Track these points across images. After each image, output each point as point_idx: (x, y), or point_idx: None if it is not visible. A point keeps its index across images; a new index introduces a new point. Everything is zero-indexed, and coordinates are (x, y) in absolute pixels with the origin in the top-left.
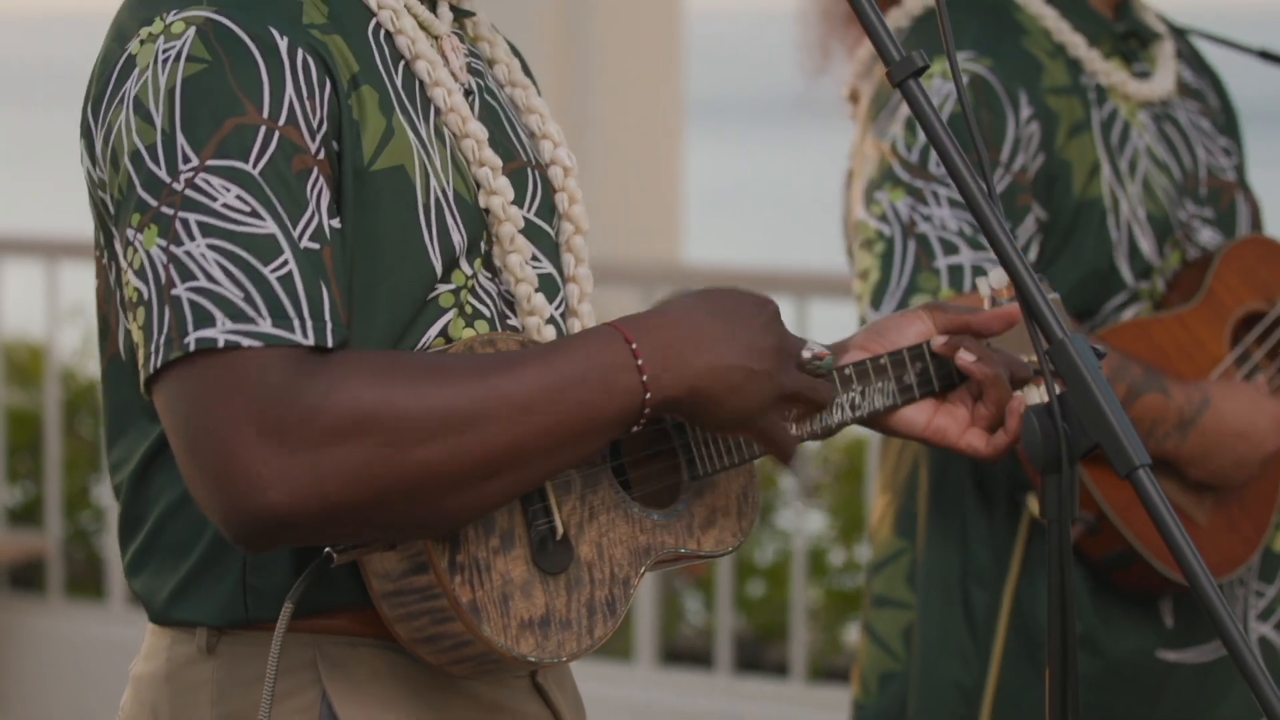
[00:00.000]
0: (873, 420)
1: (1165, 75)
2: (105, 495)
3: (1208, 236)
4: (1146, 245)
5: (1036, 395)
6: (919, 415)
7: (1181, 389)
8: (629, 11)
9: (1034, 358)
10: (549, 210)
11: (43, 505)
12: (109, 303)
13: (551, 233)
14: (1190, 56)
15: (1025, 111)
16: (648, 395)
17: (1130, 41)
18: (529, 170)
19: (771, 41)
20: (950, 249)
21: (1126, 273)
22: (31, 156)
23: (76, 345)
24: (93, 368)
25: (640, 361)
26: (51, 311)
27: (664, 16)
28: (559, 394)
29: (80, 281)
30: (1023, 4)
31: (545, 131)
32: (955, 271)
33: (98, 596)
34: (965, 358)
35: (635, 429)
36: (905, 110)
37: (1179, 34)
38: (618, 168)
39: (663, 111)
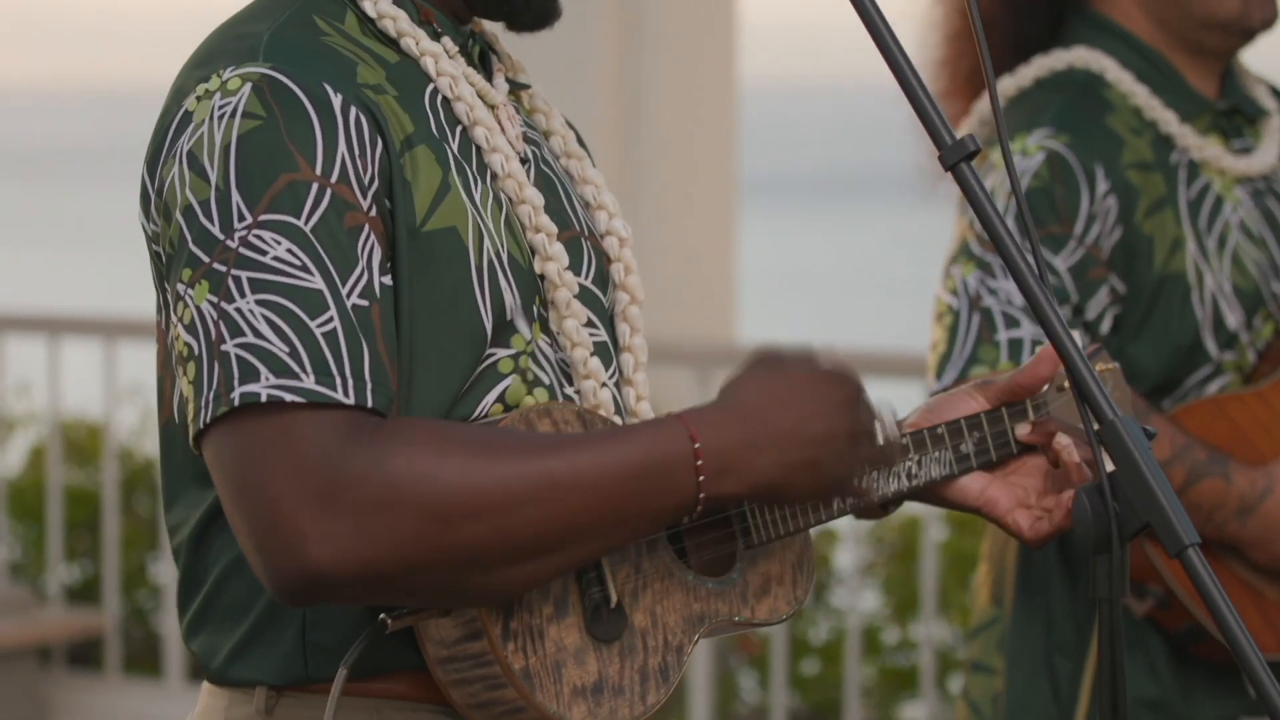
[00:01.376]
0: (929, 489)
1: (1269, 150)
2: (163, 573)
3: None
4: (1233, 319)
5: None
6: (973, 485)
7: (1245, 474)
8: (685, 91)
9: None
10: (603, 280)
11: (100, 583)
12: (166, 366)
13: (605, 302)
14: None
15: (1102, 186)
16: (701, 495)
17: (1235, 118)
18: (583, 240)
19: (827, 119)
20: (1012, 323)
21: (1211, 346)
22: (90, 236)
23: (134, 424)
24: (150, 446)
25: (700, 462)
26: (110, 390)
27: (720, 95)
28: (613, 482)
29: (138, 361)
30: (1113, 82)
31: (600, 202)
32: (1015, 345)
33: (155, 674)
34: (1027, 431)
35: (687, 521)
36: (988, 186)
37: None
38: (673, 247)
39: (718, 191)
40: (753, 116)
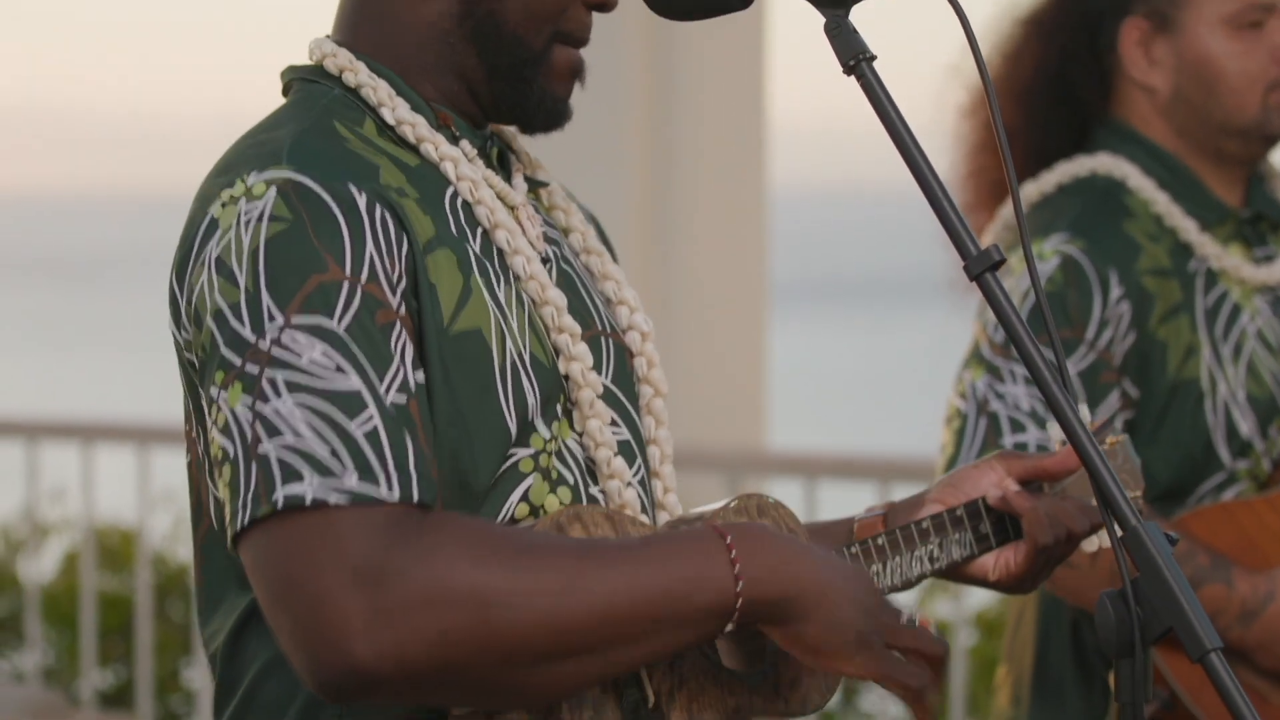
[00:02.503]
0: (951, 571)
1: None
2: (196, 679)
3: None
4: (1246, 427)
5: (1096, 542)
6: (990, 560)
7: (1249, 580)
8: (716, 195)
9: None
10: (625, 377)
11: (134, 689)
12: (201, 475)
13: (626, 400)
14: None
15: (1115, 291)
16: (740, 586)
17: (1259, 225)
18: (604, 339)
19: (856, 224)
20: (1018, 427)
21: (1224, 453)
22: (123, 342)
23: (167, 530)
24: (183, 552)
25: (734, 556)
26: (143, 496)
27: (750, 199)
28: (651, 583)
29: (171, 467)
30: (1134, 189)
31: (622, 298)
32: (1020, 450)
33: None
34: (1011, 495)
35: (729, 628)
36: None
37: None
38: (703, 351)
39: (748, 295)
40: (783, 221)
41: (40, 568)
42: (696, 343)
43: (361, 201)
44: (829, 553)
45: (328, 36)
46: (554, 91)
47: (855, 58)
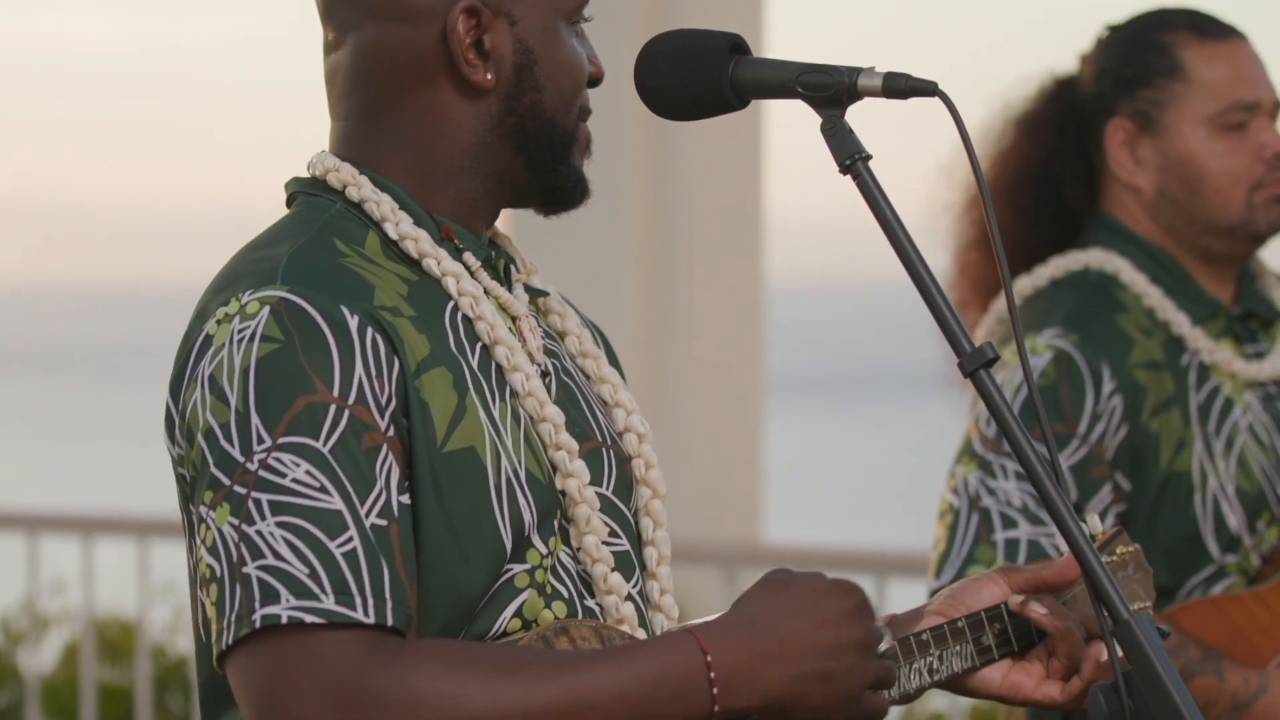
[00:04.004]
0: (952, 683)
1: None
2: None
3: None
4: (1234, 521)
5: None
6: (994, 673)
7: (1240, 673)
8: (712, 289)
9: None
10: (625, 487)
11: None
12: (192, 587)
13: (627, 510)
14: None
15: (1108, 386)
16: (716, 708)
17: (1250, 322)
18: (604, 450)
19: (853, 318)
20: (1009, 523)
21: (1213, 547)
22: (123, 435)
23: (167, 622)
24: (183, 644)
25: (713, 674)
26: (143, 588)
27: (746, 293)
28: (629, 699)
29: (171, 559)
30: (1127, 283)
31: (618, 400)
32: (1011, 545)
33: None
34: (1037, 610)
35: None
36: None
37: None
38: (700, 446)
39: (745, 389)
40: (780, 314)
41: (40, 659)
42: (694, 436)
43: (353, 323)
44: (802, 619)
45: (327, 151)
46: (580, 169)
47: (851, 157)
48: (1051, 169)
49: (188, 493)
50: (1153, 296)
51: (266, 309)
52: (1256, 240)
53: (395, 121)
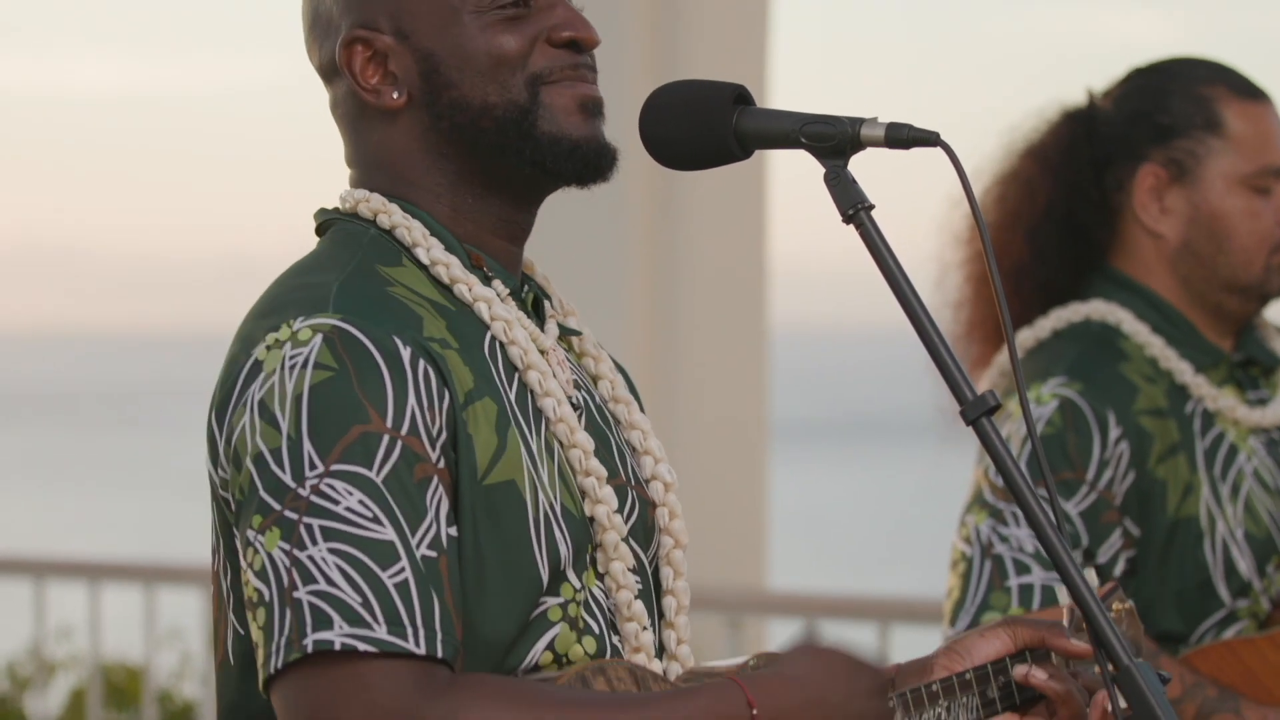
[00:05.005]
0: None
1: None
2: None
3: None
4: (1244, 565)
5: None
6: None
7: (1257, 711)
8: (716, 335)
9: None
10: (644, 530)
11: None
12: (223, 607)
13: (644, 555)
14: None
15: (1114, 432)
16: None
17: (1251, 370)
18: (628, 489)
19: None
20: (1023, 569)
21: (1224, 592)
22: (128, 480)
23: (174, 667)
24: (189, 689)
25: (750, 699)
26: (149, 634)
27: (749, 339)
28: None
29: (176, 605)
30: (1129, 333)
31: (646, 447)
32: (1025, 590)
33: None
34: (1038, 677)
35: None
36: (1004, 433)
37: None
38: (704, 492)
39: (749, 435)
40: (783, 360)
41: (47, 705)
42: (698, 481)
43: (405, 354)
44: (840, 685)
45: (351, 189)
46: (569, 133)
47: (854, 207)
48: (1070, 206)
49: (230, 517)
50: (1154, 346)
51: (319, 336)
52: (1265, 301)
53: (375, 160)
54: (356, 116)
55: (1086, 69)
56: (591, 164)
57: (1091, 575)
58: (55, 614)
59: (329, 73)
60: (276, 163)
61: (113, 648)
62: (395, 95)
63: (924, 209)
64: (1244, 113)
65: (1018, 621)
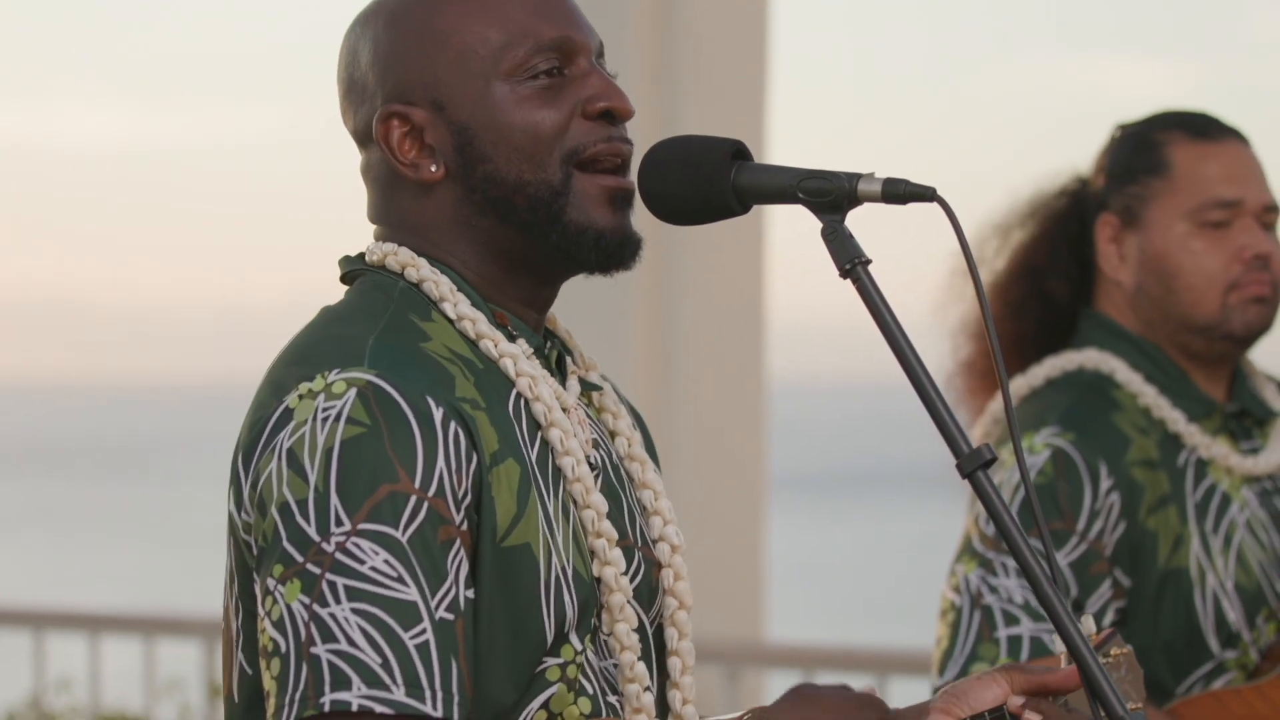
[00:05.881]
0: None
1: (1276, 450)
2: None
3: None
4: (1234, 617)
5: None
6: None
7: None
8: (715, 387)
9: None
10: (648, 592)
11: None
12: (232, 644)
13: (645, 616)
14: None
15: (1105, 483)
16: None
17: (1244, 419)
18: (635, 550)
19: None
20: (1011, 620)
21: (1213, 643)
22: (128, 532)
23: (173, 719)
24: None
25: None
26: (149, 686)
27: (748, 392)
28: None
29: (176, 656)
30: (1123, 382)
31: (657, 508)
32: (1014, 642)
33: None
34: (1033, 716)
35: None
36: (996, 481)
37: None
38: (702, 544)
39: (747, 487)
40: (782, 413)
41: None
42: (696, 533)
43: (438, 415)
44: (844, 710)
45: (378, 243)
46: (596, 223)
47: (851, 261)
48: (1052, 262)
49: (250, 561)
50: (1148, 395)
51: (354, 391)
52: (1232, 340)
53: (404, 224)
54: (389, 184)
55: (1089, 124)
56: (614, 254)
57: (1089, 622)
58: (55, 665)
59: (363, 139)
60: (275, 216)
61: (112, 699)
62: (433, 169)
63: (925, 262)
64: (1192, 152)
65: (1014, 668)
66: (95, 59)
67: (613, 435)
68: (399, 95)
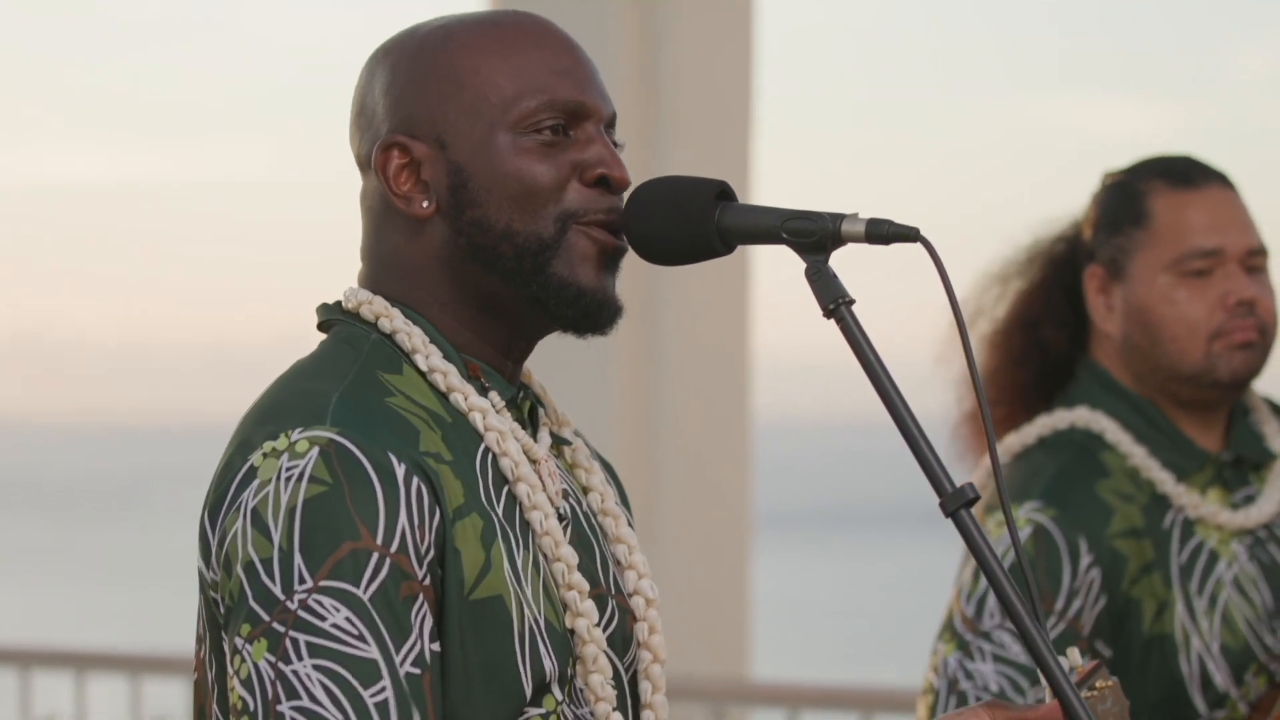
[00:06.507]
0: None
1: (1271, 498)
2: None
3: None
4: (1220, 678)
5: None
6: None
7: None
8: (699, 426)
9: None
10: (623, 641)
11: None
12: (206, 695)
13: (621, 665)
14: None
15: (1085, 560)
16: None
17: (1240, 466)
18: (609, 599)
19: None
20: None
21: (1200, 704)
22: (113, 571)
23: None
24: None
25: None
26: None
27: (733, 430)
28: None
29: (162, 695)
30: (1112, 443)
31: (631, 562)
32: None
33: None
34: None
35: None
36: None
37: None
38: (686, 582)
39: (732, 525)
40: (766, 451)
41: None
42: (681, 571)
43: (400, 471)
44: None
45: (357, 287)
46: (579, 279)
47: (835, 301)
48: (1047, 313)
49: (219, 619)
50: (1137, 456)
51: (316, 450)
52: (1220, 388)
53: (390, 261)
54: (381, 214)
55: (1081, 166)
56: (591, 315)
57: (1074, 654)
58: (41, 704)
59: (364, 164)
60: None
61: None
62: (425, 204)
63: (914, 302)
64: (1172, 201)
65: (997, 704)
66: (78, 95)
67: (585, 490)
68: (405, 127)
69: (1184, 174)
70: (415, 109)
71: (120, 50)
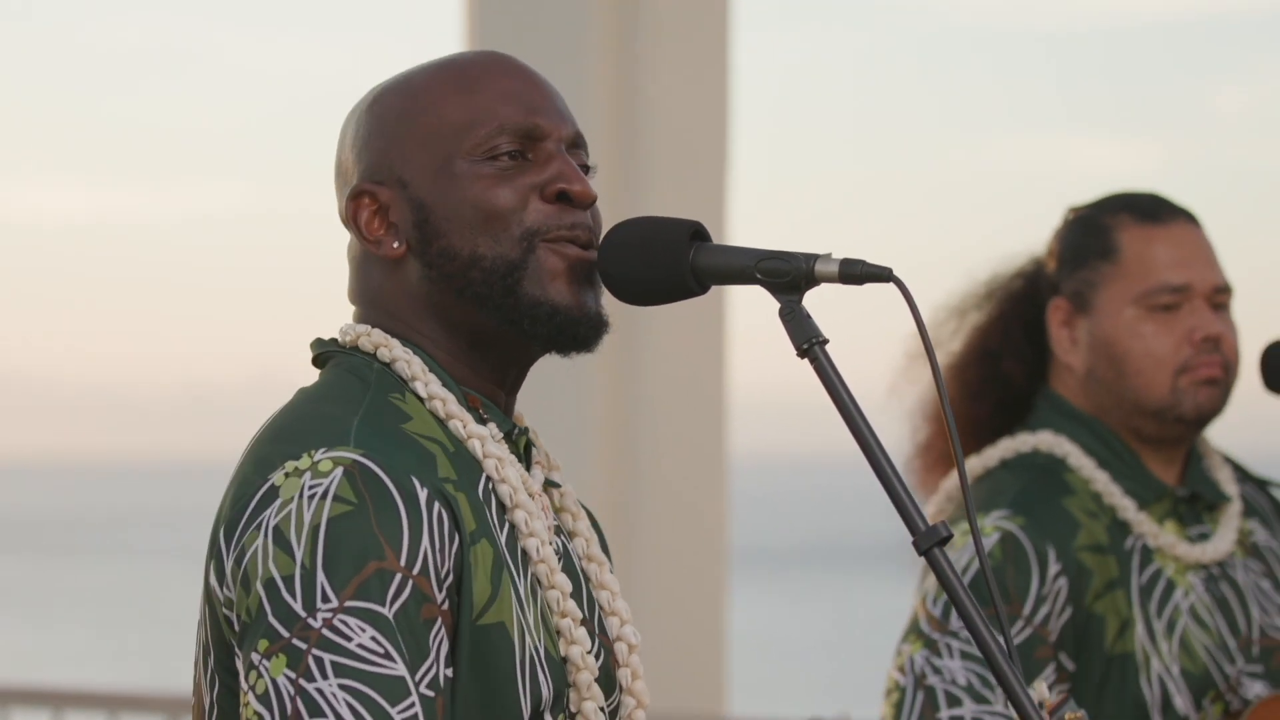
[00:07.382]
0: None
1: (1225, 538)
2: None
3: (1257, 690)
4: (1181, 701)
5: None
6: None
7: None
8: (675, 463)
9: None
10: (605, 682)
11: None
12: (204, 718)
13: (604, 699)
14: (1270, 511)
15: (1053, 568)
16: None
17: (1195, 504)
18: (595, 637)
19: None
20: (954, 701)
21: None
22: (92, 609)
23: None
24: None
25: None
26: None
27: (709, 467)
28: None
29: None
30: (1075, 467)
31: (614, 609)
32: None
33: None
34: None
35: None
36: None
37: (1261, 486)
38: (663, 619)
39: (708, 562)
40: (742, 488)
41: None
42: (657, 608)
43: (422, 496)
44: None
45: (352, 324)
46: (551, 298)
47: (809, 341)
48: (1006, 346)
49: (230, 637)
50: (1099, 481)
51: (340, 470)
52: (1184, 423)
53: (378, 302)
54: (362, 262)
55: (1060, 205)
56: (568, 332)
57: (1041, 688)
58: None
59: (343, 219)
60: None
61: None
62: (395, 245)
63: (885, 342)
64: (1139, 236)
65: None
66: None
67: (571, 535)
68: (369, 174)
69: (1151, 210)
70: (376, 155)
71: (95, 86)
